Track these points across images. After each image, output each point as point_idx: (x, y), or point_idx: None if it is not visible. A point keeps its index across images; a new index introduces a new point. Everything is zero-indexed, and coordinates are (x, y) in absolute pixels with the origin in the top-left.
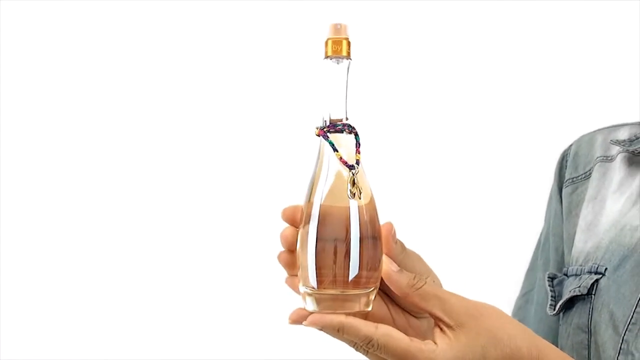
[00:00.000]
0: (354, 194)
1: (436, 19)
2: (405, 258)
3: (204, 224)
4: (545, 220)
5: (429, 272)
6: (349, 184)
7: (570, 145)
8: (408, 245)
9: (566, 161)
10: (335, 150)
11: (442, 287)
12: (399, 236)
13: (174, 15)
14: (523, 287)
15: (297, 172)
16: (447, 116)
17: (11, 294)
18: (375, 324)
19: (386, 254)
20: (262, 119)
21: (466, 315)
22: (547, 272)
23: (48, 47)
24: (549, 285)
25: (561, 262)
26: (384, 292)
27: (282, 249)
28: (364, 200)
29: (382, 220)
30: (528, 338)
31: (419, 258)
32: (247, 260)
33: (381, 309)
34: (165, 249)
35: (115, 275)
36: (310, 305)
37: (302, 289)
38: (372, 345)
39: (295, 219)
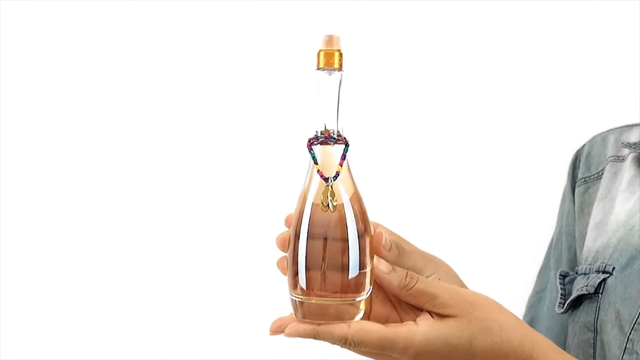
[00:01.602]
0: (327, 205)
1: (441, 18)
2: (405, 260)
3: (201, 228)
4: (558, 220)
5: (436, 269)
6: (322, 196)
7: (583, 145)
8: (419, 245)
9: (579, 161)
10: (315, 162)
11: (458, 277)
12: (408, 236)
13: (167, 25)
14: (536, 286)
15: (295, 178)
16: (461, 119)
17: (11, 294)
18: (349, 322)
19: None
20: (262, 126)
21: (457, 307)
22: (559, 270)
23: (48, 47)
24: (560, 283)
25: (574, 261)
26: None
27: (281, 255)
28: (338, 210)
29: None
30: (522, 331)
31: (422, 256)
32: (246, 263)
33: (385, 308)
34: (164, 249)
35: (114, 276)
36: (298, 314)
37: (290, 297)
38: (350, 344)
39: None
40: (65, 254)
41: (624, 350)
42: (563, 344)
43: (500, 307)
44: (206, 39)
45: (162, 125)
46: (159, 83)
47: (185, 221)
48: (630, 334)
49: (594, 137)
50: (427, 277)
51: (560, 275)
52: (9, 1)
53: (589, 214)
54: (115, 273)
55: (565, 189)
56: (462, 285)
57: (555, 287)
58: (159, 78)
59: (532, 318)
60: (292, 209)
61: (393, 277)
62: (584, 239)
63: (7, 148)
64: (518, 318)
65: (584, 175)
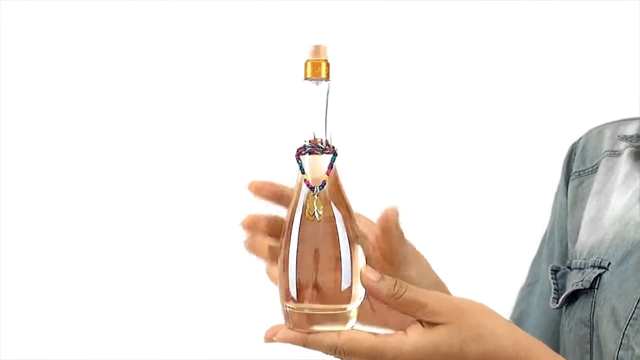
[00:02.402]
0: (313, 214)
1: (431, 23)
2: (402, 246)
3: (194, 236)
4: (551, 213)
5: (417, 263)
6: (308, 205)
7: (579, 139)
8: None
9: (574, 154)
10: (302, 172)
11: (443, 286)
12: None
13: (162, 32)
14: (527, 278)
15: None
16: (452, 123)
17: (11, 294)
18: (338, 331)
19: (384, 238)
20: (254, 134)
21: (448, 315)
22: (550, 265)
23: (48, 47)
24: (552, 278)
25: (565, 255)
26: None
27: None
28: (324, 220)
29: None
30: (516, 337)
31: (413, 248)
32: (240, 268)
33: (366, 317)
34: (161, 252)
35: (114, 276)
36: (289, 323)
37: (281, 306)
38: (340, 353)
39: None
40: (65, 254)
41: (620, 346)
42: (551, 336)
43: (492, 314)
44: (197, 51)
45: (158, 129)
46: (156, 87)
47: (179, 227)
48: (625, 329)
49: (590, 131)
50: (409, 270)
51: (552, 270)
52: (9, 1)
53: (582, 208)
54: (114, 274)
55: (559, 182)
56: (439, 282)
57: (547, 280)
58: (156, 82)
59: (522, 311)
60: (282, 216)
61: (382, 285)
62: (577, 233)
63: (7, 148)
64: (511, 324)
65: (578, 169)
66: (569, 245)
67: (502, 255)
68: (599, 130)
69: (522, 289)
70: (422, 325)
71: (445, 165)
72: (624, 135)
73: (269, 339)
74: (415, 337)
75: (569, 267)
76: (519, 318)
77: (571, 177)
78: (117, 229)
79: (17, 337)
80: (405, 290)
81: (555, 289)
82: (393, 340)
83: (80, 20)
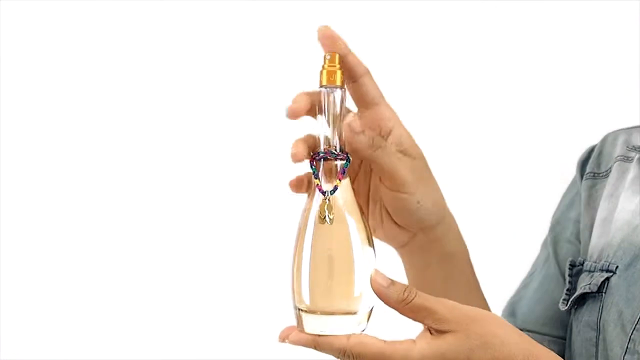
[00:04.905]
0: (324, 218)
1: (441, 27)
2: (380, 156)
3: (202, 227)
4: (559, 204)
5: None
6: (319, 209)
7: (596, 144)
8: None
9: (591, 156)
10: (315, 177)
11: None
12: None
13: (167, 28)
14: (532, 267)
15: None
16: (464, 121)
17: (11, 294)
18: (348, 335)
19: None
20: (268, 139)
21: (457, 323)
22: (569, 259)
23: (48, 47)
24: (569, 275)
25: (577, 246)
26: None
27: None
28: (336, 224)
29: None
30: (525, 347)
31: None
32: (245, 261)
33: None
34: (164, 249)
35: (114, 277)
36: (299, 324)
37: (293, 309)
38: (348, 356)
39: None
40: (65, 254)
41: (626, 350)
42: (543, 324)
43: (501, 322)
44: (209, 59)
45: (164, 128)
46: (160, 86)
47: (186, 231)
48: (632, 333)
49: (606, 136)
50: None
51: (570, 265)
52: (9, 1)
53: (595, 209)
54: (115, 274)
55: (574, 178)
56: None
57: (544, 265)
58: (159, 81)
59: (520, 298)
60: (294, 219)
61: (391, 291)
62: (590, 231)
63: (7, 148)
64: (521, 332)
65: (592, 170)
66: (583, 240)
67: (505, 260)
68: (614, 136)
69: (526, 277)
70: (431, 334)
71: (452, 171)
72: (634, 146)
73: (283, 339)
74: (423, 345)
75: (582, 266)
76: (515, 305)
77: (585, 176)
78: (117, 229)
79: (17, 337)
80: (415, 296)
81: (568, 289)
82: (401, 347)
83: (81, 20)
